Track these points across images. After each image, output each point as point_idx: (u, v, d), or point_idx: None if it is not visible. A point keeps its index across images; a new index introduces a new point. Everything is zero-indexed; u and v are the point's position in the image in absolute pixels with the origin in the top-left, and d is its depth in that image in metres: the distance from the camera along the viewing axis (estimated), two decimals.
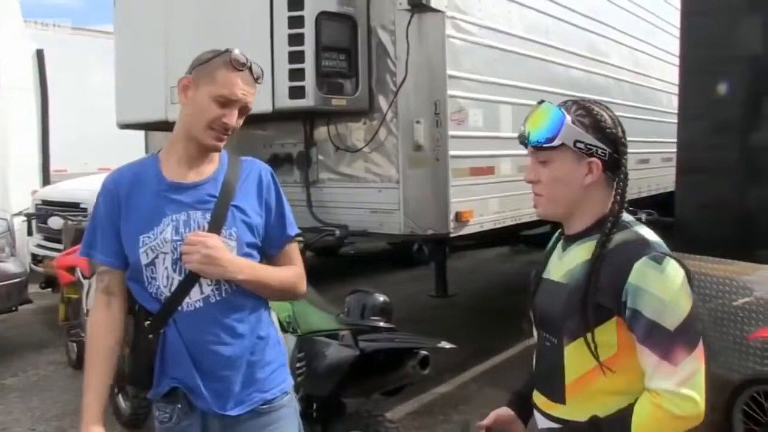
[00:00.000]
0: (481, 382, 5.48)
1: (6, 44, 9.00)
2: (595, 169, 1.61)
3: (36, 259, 7.74)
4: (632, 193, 2.05)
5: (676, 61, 4.43)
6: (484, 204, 5.14)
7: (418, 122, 4.66)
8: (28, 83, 9.71)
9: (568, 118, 1.60)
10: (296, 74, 4.45)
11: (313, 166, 5.21)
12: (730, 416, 3.60)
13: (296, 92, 4.43)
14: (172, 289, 1.92)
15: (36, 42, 10.19)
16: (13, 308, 6.38)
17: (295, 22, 4.43)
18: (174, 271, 1.92)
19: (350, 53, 4.65)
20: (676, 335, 1.50)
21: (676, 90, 4.30)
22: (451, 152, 4.73)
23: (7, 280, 6.21)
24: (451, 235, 4.85)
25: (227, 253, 1.91)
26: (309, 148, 5.18)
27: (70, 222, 5.98)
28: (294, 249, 2.15)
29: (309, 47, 4.40)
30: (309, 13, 4.44)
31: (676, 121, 4.22)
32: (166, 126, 5.67)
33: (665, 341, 1.49)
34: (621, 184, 1.64)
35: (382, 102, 4.77)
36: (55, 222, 6.13)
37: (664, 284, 1.51)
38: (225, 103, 1.91)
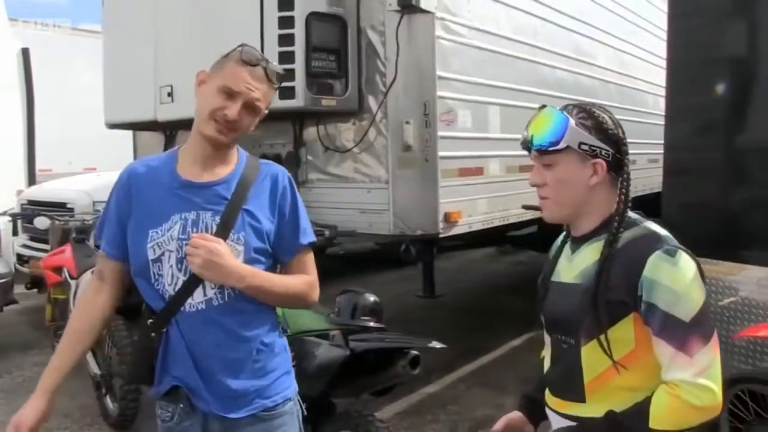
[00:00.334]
0: (468, 382, 5.50)
1: None
2: (600, 170, 1.64)
3: (21, 259, 7.68)
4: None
5: (663, 63, 4.46)
6: (473, 204, 5.16)
7: (407, 123, 4.67)
8: (13, 82, 9.66)
9: (572, 121, 1.63)
10: (286, 74, 4.43)
11: (302, 167, 5.21)
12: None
13: (286, 92, 4.42)
14: (177, 288, 1.91)
15: (21, 41, 10.13)
16: None
17: (286, 22, 4.43)
18: (179, 270, 1.91)
19: (340, 54, 4.66)
20: (691, 326, 1.52)
21: (662, 91, 4.34)
22: (440, 153, 4.74)
23: None
24: (440, 236, 4.86)
25: (231, 259, 1.88)
26: (298, 149, 5.19)
27: (56, 222, 5.95)
28: (308, 257, 2.11)
29: (299, 48, 4.41)
30: (299, 14, 4.44)
31: (662, 122, 4.25)
32: (155, 126, 5.66)
33: (681, 332, 1.52)
34: (624, 183, 1.67)
35: (372, 102, 4.78)
36: (41, 222, 6.08)
37: (677, 277, 1.54)
38: (229, 94, 1.89)
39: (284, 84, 4.44)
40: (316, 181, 5.19)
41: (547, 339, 1.81)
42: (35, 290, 7.21)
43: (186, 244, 1.87)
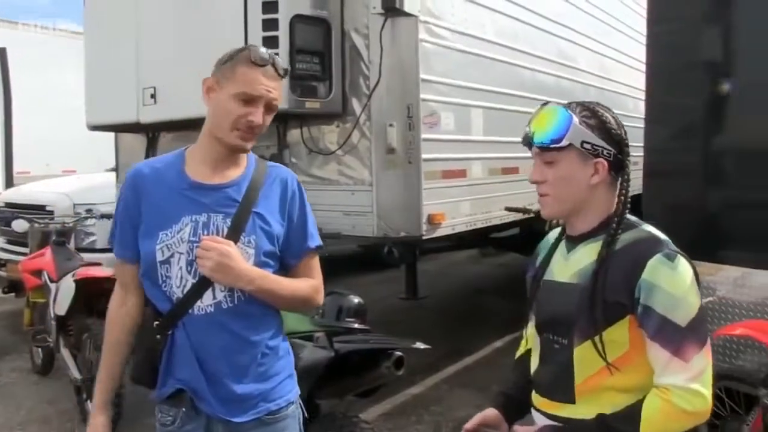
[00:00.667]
0: (452, 383, 5.54)
1: None
2: (602, 170, 1.64)
3: None
4: None
5: (643, 66, 4.51)
6: (456, 206, 5.18)
7: (391, 125, 4.68)
8: None
9: (576, 119, 1.62)
10: None
11: None
12: None
13: None
14: (185, 290, 1.90)
15: None
16: None
17: (270, 24, 4.43)
18: (188, 272, 1.90)
19: (324, 56, 4.66)
20: (687, 331, 1.52)
21: (642, 95, 4.39)
22: (424, 155, 4.76)
23: None
24: (424, 238, 4.87)
25: (241, 263, 1.88)
26: (282, 151, 5.17)
27: (35, 225, 5.91)
28: (314, 261, 2.13)
29: (283, 50, 4.40)
30: (283, 16, 4.43)
31: (642, 125, 4.31)
32: (137, 128, 5.64)
33: (677, 337, 1.52)
34: (625, 184, 1.67)
35: (356, 105, 4.79)
36: (19, 225, 6.03)
37: (676, 281, 1.54)
38: (248, 100, 1.87)
39: None
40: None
41: (536, 338, 1.79)
42: (12, 294, 7.12)
43: (197, 247, 1.87)
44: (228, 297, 1.92)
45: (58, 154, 10.92)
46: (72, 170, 10.24)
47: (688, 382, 1.50)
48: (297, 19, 4.49)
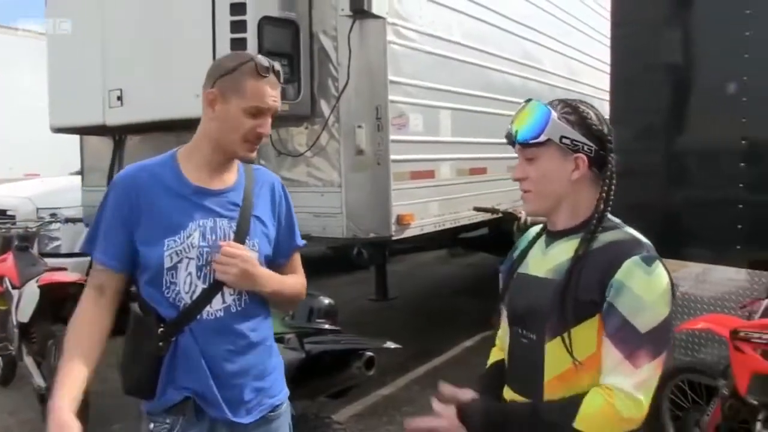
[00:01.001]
0: (423, 383, 5.56)
1: None
2: (582, 165, 1.62)
3: None
4: None
5: (607, 68, 4.59)
6: (425, 207, 5.22)
7: (359, 127, 4.70)
8: None
9: (554, 114, 1.61)
10: None
11: None
12: (659, 404, 3.79)
13: None
14: (194, 296, 1.89)
15: None
16: None
17: (238, 26, 4.41)
18: (198, 278, 1.89)
19: (292, 58, 4.65)
20: (644, 338, 1.50)
21: (607, 96, 4.46)
22: (393, 156, 4.78)
23: None
24: (393, 238, 4.90)
25: (259, 267, 1.93)
26: None
27: None
28: (298, 258, 2.20)
29: (251, 52, 4.39)
30: (251, 18, 4.41)
31: None
32: (103, 131, 5.57)
33: (633, 342, 1.50)
34: (607, 182, 1.64)
35: (324, 107, 4.80)
36: None
37: (648, 286, 1.52)
38: (257, 113, 1.88)
39: None
40: None
41: (509, 331, 1.77)
42: None
43: (207, 252, 1.88)
44: (237, 300, 1.94)
45: (21, 158, 10.72)
46: (35, 174, 10.07)
47: (633, 388, 1.49)
48: (265, 21, 4.48)
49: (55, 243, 6.96)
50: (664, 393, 3.78)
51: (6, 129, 10.61)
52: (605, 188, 1.64)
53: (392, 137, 4.78)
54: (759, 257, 3.67)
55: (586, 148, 1.62)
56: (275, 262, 2.08)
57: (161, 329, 1.89)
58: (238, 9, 4.43)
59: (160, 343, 1.88)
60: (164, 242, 1.86)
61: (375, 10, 4.56)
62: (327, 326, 3.38)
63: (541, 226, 1.80)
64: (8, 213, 7.10)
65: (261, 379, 2.01)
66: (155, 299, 1.91)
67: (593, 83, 8.31)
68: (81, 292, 1.97)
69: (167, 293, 1.89)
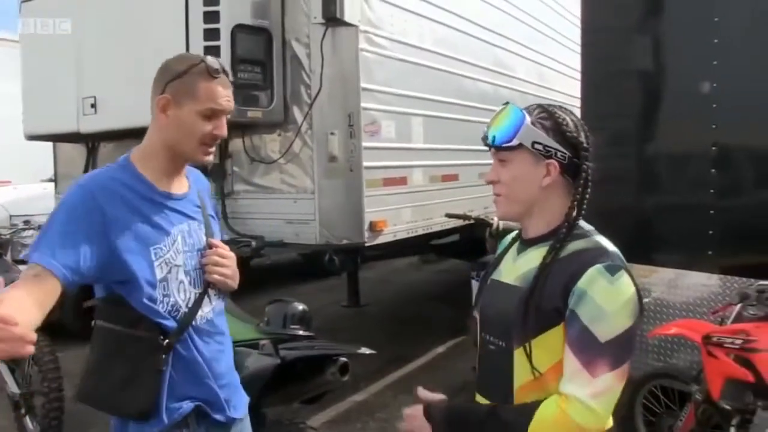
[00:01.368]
0: (396, 389, 5.56)
1: None
2: (553, 171, 1.59)
3: None
4: None
5: (578, 75, 4.64)
6: (397, 213, 5.25)
7: (332, 134, 4.72)
8: None
9: (528, 119, 1.60)
10: None
11: (228, 178, 5.20)
12: (632, 410, 3.82)
13: None
14: (190, 303, 1.87)
15: None
16: None
17: (211, 34, 4.42)
18: (190, 284, 1.88)
19: (265, 66, 4.68)
20: (603, 348, 1.47)
21: (578, 102, 4.50)
22: (365, 163, 4.82)
23: None
24: (366, 245, 4.92)
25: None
26: (224, 160, 5.17)
27: None
28: None
29: (225, 59, 4.34)
30: (224, 26, 4.44)
31: None
32: (77, 138, 5.54)
33: (591, 351, 1.48)
34: (580, 189, 1.62)
35: (297, 114, 4.81)
36: None
37: (610, 295, 1.49)
38: (212, 115, 1.84)
39: None
40: (242, 192, 5.19)
41: (479, 337, 1.75)
42: None
43: (191, 256, 1.89)
44: (217, 300, 1.98)
45: None
46: (7, 181, 9.98)
47: (588, 397, 1.46)
48: (238, 29, 4.49)
49: (29, 250, 6.87)
50: (637, 398, 3.82)
51: None
52: (577, 196, 1.61)
53: (365, 144, 4.81)
54: (730, 263, 3.71)
55: (559, 154, 1.59)
56: None
57: (166, 342, 1.83)
58: (211, 17, 4.44)
59: (163, 356, 1.82)
60: (151, 252, 1.81)
61: (347, 18, 4.60)
62: (301, 332, 3.37)
63: (516, 232, 1.79)
64: None
65: (236, 373, 2.07)
66: (152, 312, 1.81)
67: (564, 90, 8.39)
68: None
69: (162, 307, 1.83)
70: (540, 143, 1.59)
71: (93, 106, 5.02)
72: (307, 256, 9.32)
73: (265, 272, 10.19)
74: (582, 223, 1.65)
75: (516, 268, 1.68)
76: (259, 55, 4.64)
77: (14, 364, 4.66)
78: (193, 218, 1.94)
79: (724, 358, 3.11)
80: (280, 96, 4.78)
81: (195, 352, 1.88)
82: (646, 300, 3.76)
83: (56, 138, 6.09)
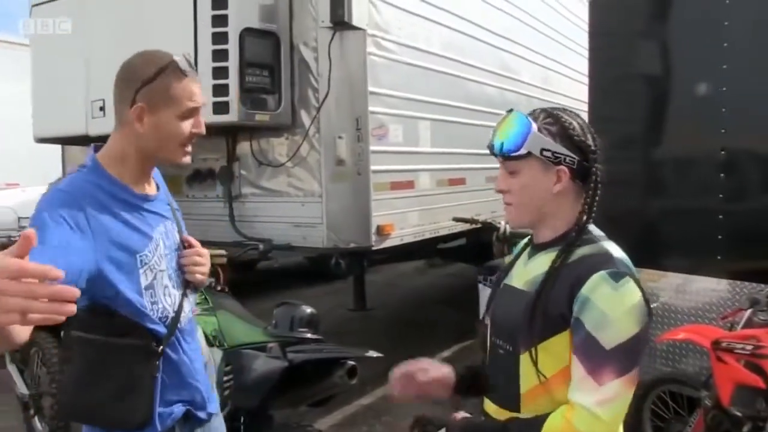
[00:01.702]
0: None
1: None
2: (563, 177, 1.58)
3: None
4: None
5: (585, 79, 4.63)
6: (404, 217, 5.25)
7: (340, 137, 4.73)
8: None
9: (535, 127, 1.57)
10: (220, 90, 4.45)
11: (235, 181, 5.21)
12: (640, 415, 3.81)
13: (220, 107, 4.43)
14: (176, 306, 1.87)
15: None
16: None
17: (219, 38, 4.44)
18: (174, 287, 1.87)
19: (273, 69, 4.69)
20: (609, 355, 1.45)
21: (584, 106, 4.50)
22: (372, 167, 4.82)
23: None
24: (373, 248, 4.92)
25: None
26: (231, 163, 5.19)
27: None
28: None
29: (233, 63, 4.42)
30: (233, 30, 4.45)
31: None
32: (86, 140, 5.56)
33: (597, 358, 1.46)
34: (590, 193, 1.60)
35: (305, 117, 4.82)
36: None
37: (614, 302, 1.47)
38: (190, 115, 1.81)
39: (218, 99, 4.50)
40: (249, 195, 5.20)
41: (489, 341, 1.75)
42: None
43: (170, 257, 1.89)
44: (193, 298, 1.98)
45: (2, 167, 10.66)
46: (15, 184, 10.05)
47: (594, 405, 1.44)
48: (246, 33, 4.51)
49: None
50: (645, 404, 3.78)
51: None
52: (587, 199, 1.60)
53: (372, 148, 4.82)
54: (739, 268, 3.67)
55: (568, 159, 1.57)
56: None
57: (160, 348, 1.81)
58: (219, 20, 4.45)
59: (157, 362, 1.80)
60: (137, 259, 1.76)
61: (355, 22, 4.61)
62: (309, 335, 3.38)
63: (529, 237, 1.77)
64: None
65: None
66: (144, 319, 1.79)
67: (571, 94, 8.38)
68: None
69: (154, 313, 1.80)
70: (548, 150, 1.56)
71: (102, 109, 5.04)
72: (313, 260, 9.31)
73: (272, 275, 10.21)
74: (592, 228, 1.63)
75: (526, 272, 1.67)
76: (267, 59, 4.65)
77: (23, 364, 4.70)
78: (167, 218, 1.92)
79: (734, 363, 3.06)
80: (287, 99, 4.80)
81: (182, 353, 1.89)
82: (653, 305, 3.76)
83: (65, 141, 6.14)
